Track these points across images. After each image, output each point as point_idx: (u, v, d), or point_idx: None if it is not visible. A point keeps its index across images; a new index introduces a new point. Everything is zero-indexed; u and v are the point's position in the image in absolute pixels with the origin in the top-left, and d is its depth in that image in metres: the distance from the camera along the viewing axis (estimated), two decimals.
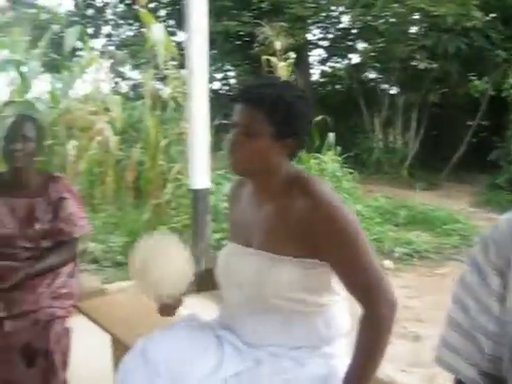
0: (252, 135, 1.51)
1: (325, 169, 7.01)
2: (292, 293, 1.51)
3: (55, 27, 7.89)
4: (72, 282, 2.57)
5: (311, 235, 1.48)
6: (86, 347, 2.61)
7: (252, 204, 1.65)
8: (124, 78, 10.90)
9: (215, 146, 5.01)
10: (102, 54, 5.71)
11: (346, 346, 1.64)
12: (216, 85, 13.43)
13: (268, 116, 1.50)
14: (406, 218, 6.80)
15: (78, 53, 7.67)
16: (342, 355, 1.62)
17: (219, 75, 13.56)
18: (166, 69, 5.89)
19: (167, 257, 1.64)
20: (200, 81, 4.05)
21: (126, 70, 11.37)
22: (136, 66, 10.52)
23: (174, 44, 6.04)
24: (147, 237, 1.70)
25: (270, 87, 1.57)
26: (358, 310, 1.49)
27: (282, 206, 1.55)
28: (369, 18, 11.11)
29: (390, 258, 5.31)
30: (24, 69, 4.81)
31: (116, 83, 7.73)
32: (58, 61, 5.29)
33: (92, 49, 5.32)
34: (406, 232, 6.18)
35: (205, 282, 1.84)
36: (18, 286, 2.41)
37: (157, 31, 5.10)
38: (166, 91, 6.09)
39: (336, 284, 1.58)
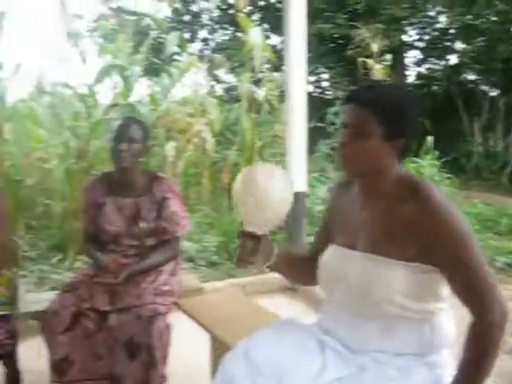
0: (362, 136, 1.49)
1: (422, 173, 6.81)
2: (400, 298, 1.47)
3: (154, 33, 8.16)
4: (173, 280, 2.64)
5: (421, 238, 1.44)
6: (183, 344, 2.66)
7: (358, 206, 1.63)
8: (219, 81, 11.14)
9: (310, 149, 4.98)
10: (201, 57, 5.84)
11: (451, 357, 1.58)
12: (309, 87, 13.41)
13: (378, 116, 1.48)
14: (508, 226, 6.47)
15: (176, 57, 7.91)
16: (447, 365, 1.56)
17: (312, 78, 13.53)
18: (261, 72, 5.95)
19: (270, 179, 1.59)
20: (298, 83, 4.05)
21: (221, 73, 11.61)
22: (230, 70, 10.73)
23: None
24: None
25: (380, 88, 1.58)
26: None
27: (390, 208, 1.52)
28: (468, 17, 10.71)
29: (491, 267, 5.05)
30: (127, 73, 5.01)
31: (211, 86, 7.87)
32: (158, 65, 5.46)
33: (190, 53, 5.45)
34: (508, 241, 5.87)
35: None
36: (123, 280, 2.51)
37: (254, 35, 5.16)
38: (260, 94, 6.14)
39: (443, 292, 1.53)
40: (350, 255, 1.58)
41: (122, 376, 2.42)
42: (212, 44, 13.62)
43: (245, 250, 1.63)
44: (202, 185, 5.55)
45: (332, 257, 1.66)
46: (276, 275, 4.21)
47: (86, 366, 2.45)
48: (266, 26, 13.17)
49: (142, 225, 2.62)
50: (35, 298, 2.86)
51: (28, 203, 5.33)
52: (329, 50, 12.67)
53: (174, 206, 2.66)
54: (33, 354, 2.70)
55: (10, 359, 2.61)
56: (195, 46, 12.26)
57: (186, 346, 2.81)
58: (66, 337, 2.41)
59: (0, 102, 4.64)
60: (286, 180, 1.64)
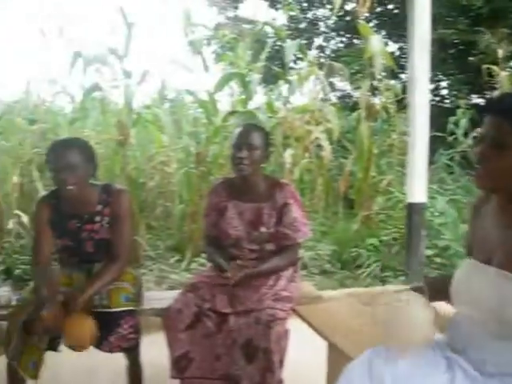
0: (502, 148, 1.41)
1: None
2: None
3: (271, 41, 8.26)
4: (292, 286, 2.64)
5: None
6: (298, 350, 2.65)
7: (496, 220, 1.54)
8: (333, 89, 11.07)
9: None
10: (320, 65, 5.84)
11: None
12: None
13: None
14: None
15: (292, 65, 7.96)
16: None
17: (431, 86, 13.07)
18: (379, 80, 5.84)
19: (410, 321, 1.57)
20: (420, 91, 3.94)
21: (335, 80, 11.54)
22: (342, 77, 10.64)
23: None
24: (388, 295, 1.66)
25: None
26: None
27: None
28: None
29: None
30: (247, 81, 5.11)
31: (326, 94, 7.84)
32: (277, 73, 5.53)
33: (309, 61, 5.47)
34: None
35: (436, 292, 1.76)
36: (242, 285, 2.55)
37: (375, 42, 5.08)
38: (377, 102, 6.03)
39: None
40: (484, 271, 1.50)
41: (238, 378, 2.45)
42: (327, 51, 13.59)
43: None
44: (317, 192, 5.54)
45: (465, 271, 1.59)
46: (394, 287, 4.11)
47: (205, 364, 2.51)
48: (382, 32, 12.95)
49: (263, 230, 2.65)
50: (155, 296, 2.97)
51: (149, 205, 5.59)
52: (449, 56, 12.20)
53: (295, 212, 2.67)
54: (153, 350, 2.80)
55: (133, 353, 2.73)
56: (311, 54, 12.28)
57: (301, 352, 2.80)
58: (186, 335, 2.49)
59: (127, 108, 4.89)
60: (425, 314, 1.58)
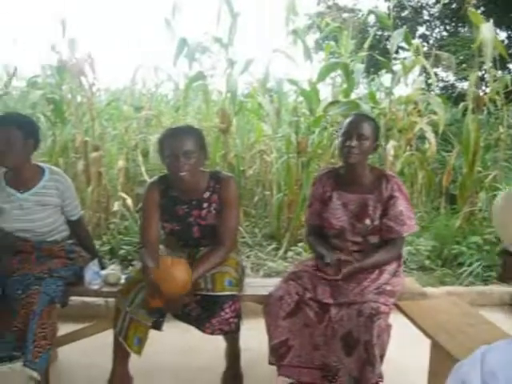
0: None
1: None
2: None
3: (372, 29, 8.07)
4: (395, 281, 2.59)
5: None
6: (399, 346, 2.59)
7: None
8: (437, 80, 10.69)
9: None
10: (427, 55, 5.64)
11: None
12: None
13: None
14: None
15: (394, 55, 7.73)
16: None
17: None
18: (486, 70, 5.57)
19: None
20: None
21: (438, 71, 11.15)
22: (448, 67, 10.24)
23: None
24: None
25: None
26: None
27: None
28: None
29: None
30: (350, 70, 5.03)
31: (429, 85, 7.57)
32: (381, 62, 5.40)
33: (416, 50, 5.29)
34: None
35: None
36: (345, 277, 2.53)
37: (486, 30, 4.82)
38: (485, 93, 5.74)
39: None
40: None
41: (336, 369, 2.44)
42: (430, 40, 13.14)
43: (508, 267, 1.55)
44: (417, 186, 5.39)
45: None
46: (496, 288, 3.93)
47: (303, 353, 2.52)
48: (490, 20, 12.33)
49: (367, 222, 2.61)
50: (252, 283, 3.00)
51: (248, 192, 5.66)
52: None
53: (402, 205, 2.61)
54: (251, 335, 2.85)
55: (233, 336, 2.79)
56: (414, 43, 11.87)
57: (402, 349, 2.74)
58: (287, 322, 2.51)
59: (231, 96, 4.97)
60: None
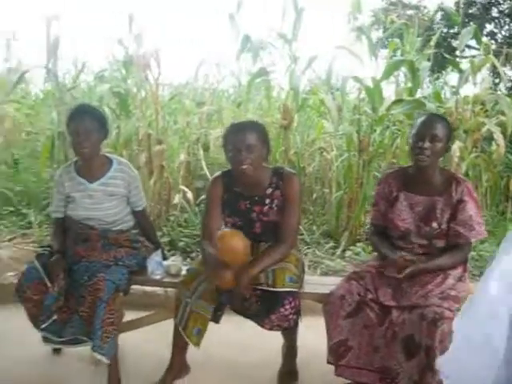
0: None
1: None
2: None
3: (437, 27, 7.89)
4: (460, 286, 2.52)
5: None
6: None
7: None
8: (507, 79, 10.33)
9: None
10: (496, 53, 5.45)
11: None
12: None
13: None
14: None
15: (458, 53, 7.52)
16: None
17: None
18: None
19: None
20: None
21: (506, 69, 10.77)
22: None
23: None
24: None
25: None
26: None
27: None
28: None
29: None
30: (416, 68, 4.92)
31: (495, 84, 7.34)
32: (447, 61, 5.26)
33: (485, 48, 5.10)
34: None
35: None
36: (408, 279, 2.48)
37: None
38: None
39: None
40: None
41: (395, 373, 2.41)
42: (499, 38, 12.70)
43: None
44: (483, 189, 5.23)
45: None
46: None
47: (362, 354, 2.49)
48: None
49: (434, 225, 2.55)
50: (310, 281, 2.98)
51: (306, 189, 5.63)
52: None
53: (471, 210, 2.54)
54: (308, 332, 2.84)
55: (291, 333, 2.79)
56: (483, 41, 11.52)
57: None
58: (347, 322, 2.49)
59: (293, 92, 4.95)
60: None
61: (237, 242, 2.54)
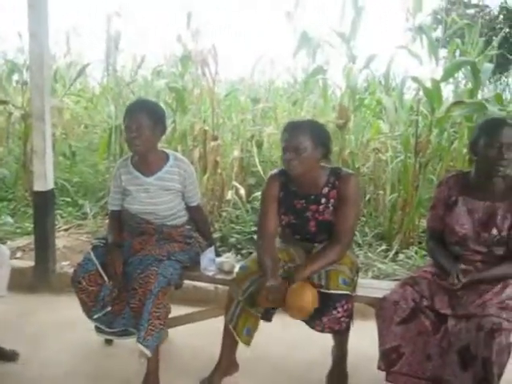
0: None
1: None
2: None
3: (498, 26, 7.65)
4: None
5: None
6: None
7: None
8: None
9: None
10: None
11: None
12: None
13: None
14: None
15: None
16: None
17: None
18: None
19: None
20: None
21: None
22: None
23: None
24: None
25: None
26: None
27: None
28: None
29: None
30: (477, 69, 4.78)
31: None
32: (511, 61, 5.08)
33: None
34: None
35: None
36: (465, 288, 2.41)
37: None
38: None
39: None
40: None
41: (449, 383, 2.34)
42: None
43: None
44: None
45: None
46: None
47: (414, 362, 2.42)
48: None
49: (494, 232, 2.47)
50: (361, 283, 2.91)
51: (360, 190, 5.54)
52: None
53: None
54: (358, 336, 2.80)
55: (342, 336, 2.75)
56: None
57: None
58: (400, 328, 2.42)
59: (350, 92, 4.90)
60: None
61: (307, 300, 2.47)
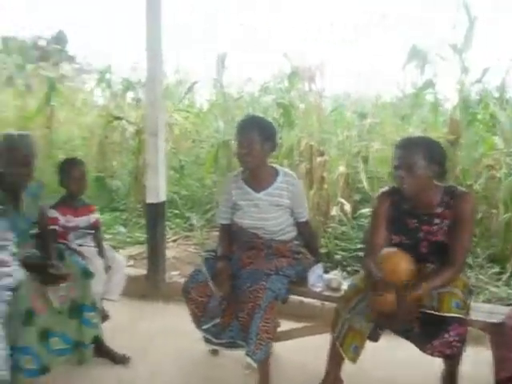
0: None
1: None
2: None
3: None
4: None
5: None
6: None
7: None
8: None
9: None
10: None
11: None
12: None
13: None
14: None
15: None
16: None
17: None
18: None
19: None
20: None
21: None
22: None
23: None
24: None
25: None
26: None
27: None
28: None
29: None
30: None
31: None
32: None
33: None
34: None
35: None
36: None
37: None
38: None
39: None
40: None
41: None
42: None
43: None
44: None
45: None
46: None
47: None
48: None
49: None
50: (472, 307, 2.77)
51: None
52: None
53: None
54: (468, 362, 2.67)
55: (453, 361, 2.64)
56: None
57: None
58: None
59: (464, 106, 4.72)
60: None
61: (400, 264, 2.45)
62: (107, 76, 7.71)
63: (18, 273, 2.25)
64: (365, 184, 5.15)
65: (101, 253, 3.22)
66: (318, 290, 2.91)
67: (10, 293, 2.28)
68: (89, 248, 3.22)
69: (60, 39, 20.40)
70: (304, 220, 3.05)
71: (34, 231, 2.95)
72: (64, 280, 2.74)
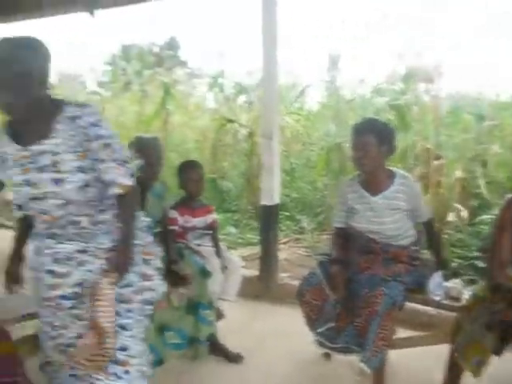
0: None
1: None
2: None
3: None
4: None
5: None
6: None
7: None
8: None
9: None
10: None
11: None
12: None
13: None
14: None
15: None
16: None
17: None
18: None
19: None
20: None
21: None
22: None
23: None
24: None
25: None
26: None
27: None
28: None
29: None
30: None
31: None
32: None
33: None
34: None
35: None
36: None
37: None
38: None
39: None
40: None
41: None
42: None
43: None
44: None
45: None
46: None
47: None
48: None
49: None
50: None
51: None
52: None
53: None
54: None
55: None
56: None
57: None
58: None
59: None
60: None
61: None
62: (219, 80, 7.93)
63: (160, 287, 2.29)
64: (483, 189, 4.92)
65: (218, 253, 3.31)
66: (438, 298, 2.81)
67: (151, 307, 2.31)
68: (206, 248, 3.31)
69: (172, 45, 21.28)
70: (424, 220, 2.99)
71: (156, 230, 3.08)
72: (185, 282, 2.85)
